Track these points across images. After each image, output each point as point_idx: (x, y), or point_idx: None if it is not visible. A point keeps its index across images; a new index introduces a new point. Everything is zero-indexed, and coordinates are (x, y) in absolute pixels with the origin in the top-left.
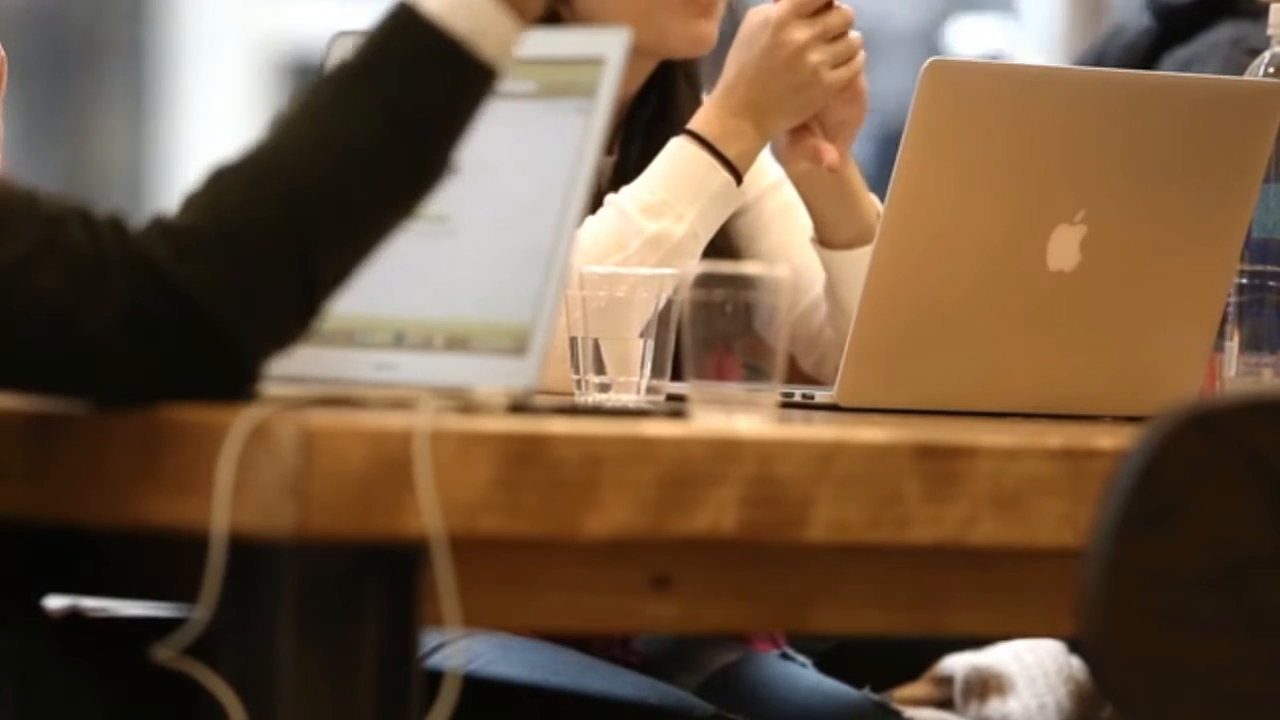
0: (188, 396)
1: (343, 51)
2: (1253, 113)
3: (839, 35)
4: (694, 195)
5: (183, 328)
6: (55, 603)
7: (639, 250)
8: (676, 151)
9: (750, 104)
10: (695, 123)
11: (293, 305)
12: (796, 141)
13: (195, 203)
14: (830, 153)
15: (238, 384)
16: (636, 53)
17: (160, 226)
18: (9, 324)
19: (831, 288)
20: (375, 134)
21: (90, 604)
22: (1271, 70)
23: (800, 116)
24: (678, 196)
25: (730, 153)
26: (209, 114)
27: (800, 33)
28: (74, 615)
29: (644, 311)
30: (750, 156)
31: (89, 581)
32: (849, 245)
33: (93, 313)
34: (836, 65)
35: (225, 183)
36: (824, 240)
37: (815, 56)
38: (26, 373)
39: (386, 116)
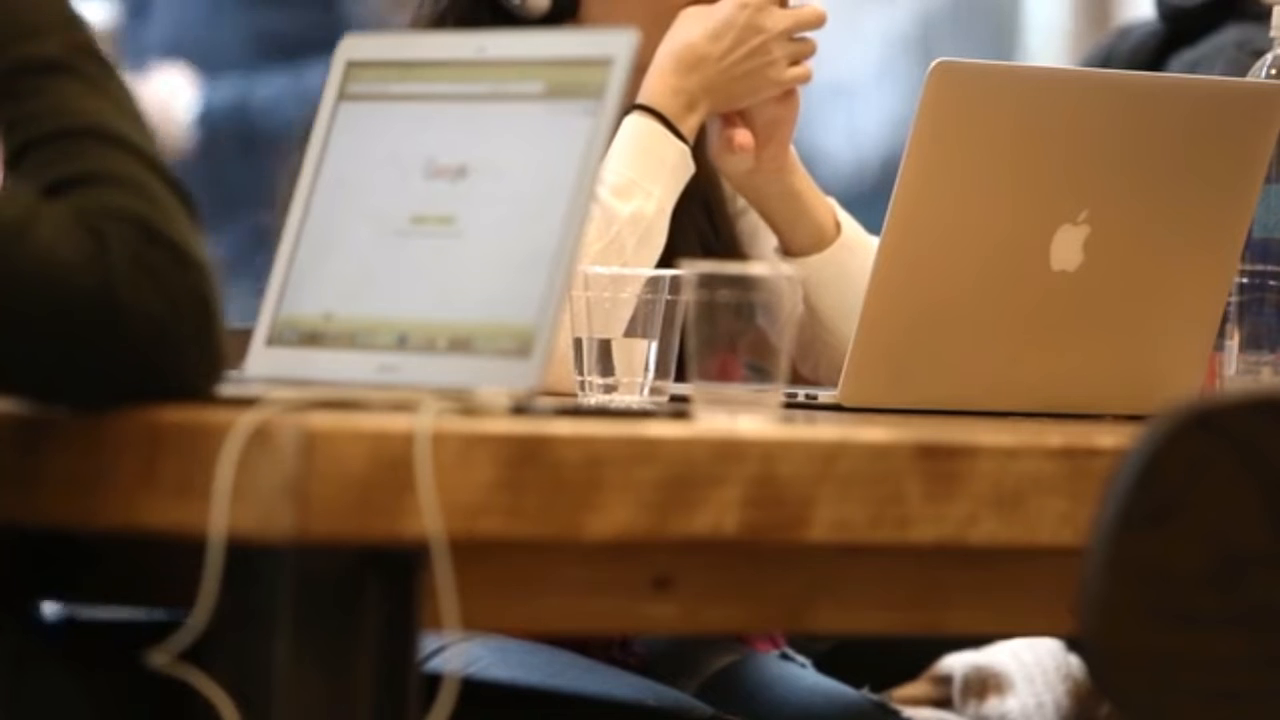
0: (199, 336)
1: (350, 53)
2: (1254, 114)
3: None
4: (657, 171)
5: (174, 263)
6: (49, 608)
7: (620, 233)
8: (636, 129)
9: (710, 81)
10: (651, 95)
11: (188, 212)
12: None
13: (64, 207)
14: (741, 134)
15: (220, 296)
16: (642, 60)
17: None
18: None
19: (804, 295)
20: (93, 71)
21: (85, 609)
22: (1273, 72)
23: (741, 102)
24: (642, 174)
25: (684, 128)
26: None
27: (777, 20)
28: (68, 620)
29: (646, 310)
30: (697, 129)
31: (83, 586)
32: (807, 251)
33: (94, 267)
34: (792, 63)
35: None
36: (785, 249)
37: (779, 49)
38: (34, 344)
39: (64, 49)
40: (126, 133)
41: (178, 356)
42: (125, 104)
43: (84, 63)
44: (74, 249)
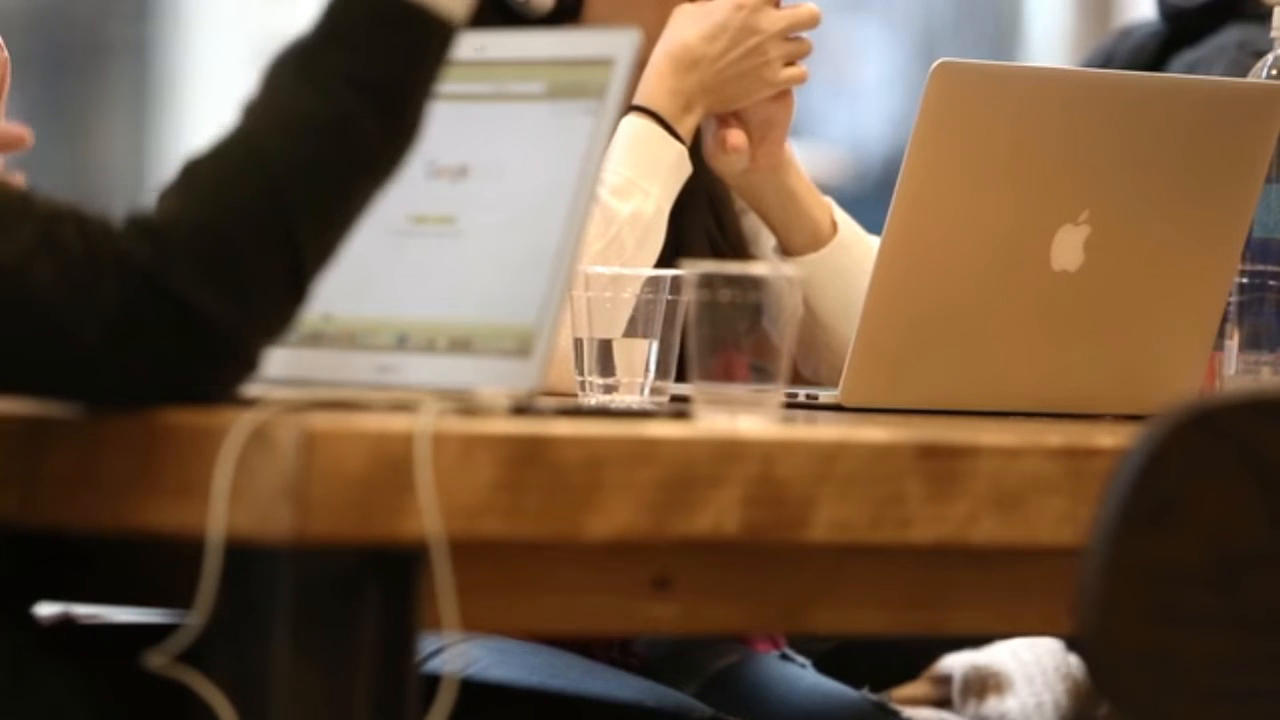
0: (186, 395)
1: None
2: (1254, 114)
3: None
4: (654, 171)
5: (175, 327)
6: (46, 609)
7: (619, 233)
8: (633, 130)
9: (706, 82)
10: (648, 97)
11: (281, 289)
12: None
13: (170, 197)
14: (734, 135)
15: (236, 377)
16: (644, 59)
17: (138, 224)
18: (2, 323)
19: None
20: (342, 105)
21: (82, 610)
22: (1274, 72)
23: (737, 103)
24: (640, 174)
25: (681, 129)
26: (213, 114)
27: (772, 21)
28: (65, 621)
29: (646, 310)
30: (694, 129)
31: (81, 587)
32: (804, 251)
33: (82, 315)
34: (788, 63)
35: (198, 174)
36: (782, 248)
37: (774, 50)
38: (19, 374)
39: (351, 86)
40: (290, 195)
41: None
42: (343, 157)
43: (343, 94)
44: (66, 296)
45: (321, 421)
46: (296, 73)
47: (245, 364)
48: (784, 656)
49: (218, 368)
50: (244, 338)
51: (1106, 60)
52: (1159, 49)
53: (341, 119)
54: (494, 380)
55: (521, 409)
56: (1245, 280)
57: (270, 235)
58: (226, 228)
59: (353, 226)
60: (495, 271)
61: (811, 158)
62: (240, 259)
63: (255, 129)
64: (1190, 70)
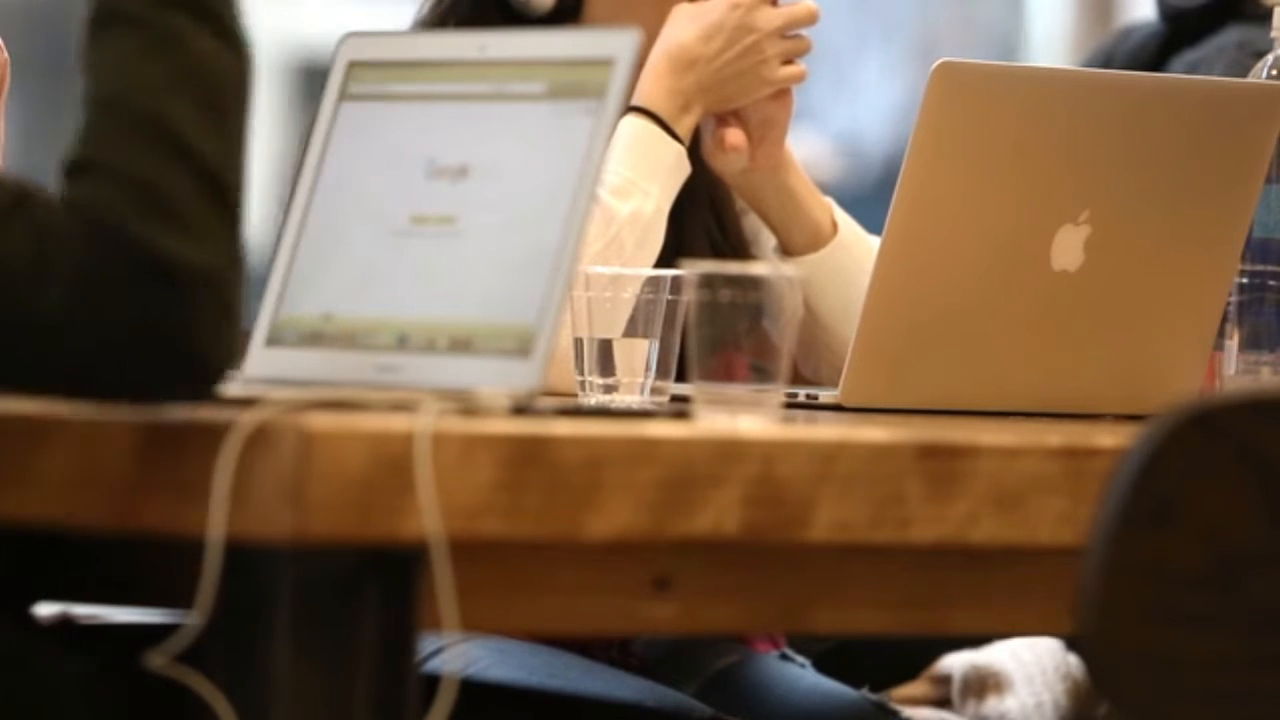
0: (166, 352)
1: (352, 52)
2: (1255, 114)
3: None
4: (654, 171)
5: (135, 272)
6: (46, 609)
7: (619, 233)
8: (632, 131)
9: (703, 82)
10: (645, 97)
11: (207, 205)
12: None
13: (67, 176)
14: (733, 134)
15: (209, 320)
16: (644, 59)
17: (62, 200)
18: None
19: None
20: (166, 26)
21: (82, 610)
22: (1274, 72)
23: (735, 102)
24: (640, 174)
25: (679, 129)
26: None
27: (769, 19)
28: (65, 621)
29: (646, 310)
30: (692, 129)
31: (81, 587)
32: (804, 250)
33: (53, 280)
34: (786, 61)
35: (77, 145)
36: (782, 248)
37: (771, 48)
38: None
39: (164, 6)
40: (162, 110)
41: (123, 378)
42: (190, 68)
43: (160, 16)
44: (24, 262)
45: (321, 421)
46: (111, 18)
47: (215, 302)
48: (784, 656)
49: (190, 311)
50: (196, 265)
51: (1107, 60)
52: (1159, 49)
53: (170, 38)
54: (494, 380)
55: (521, 409)
56: (1245, 280)
57: (163, 150)
58: (125, 165)
59: (244, 138)
60: (495, 271)
61: (811, 156)
62: (152, 183)
63: (99, 81)
64: (1190, 70)
